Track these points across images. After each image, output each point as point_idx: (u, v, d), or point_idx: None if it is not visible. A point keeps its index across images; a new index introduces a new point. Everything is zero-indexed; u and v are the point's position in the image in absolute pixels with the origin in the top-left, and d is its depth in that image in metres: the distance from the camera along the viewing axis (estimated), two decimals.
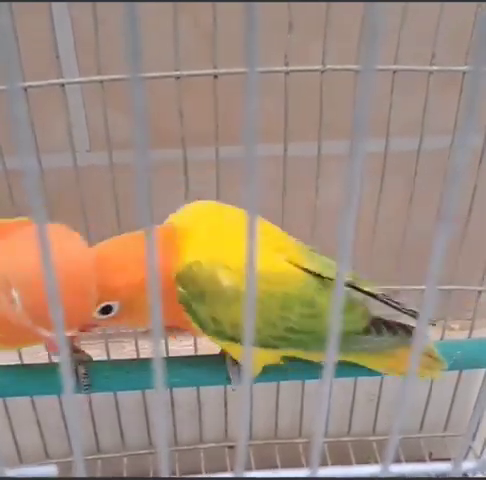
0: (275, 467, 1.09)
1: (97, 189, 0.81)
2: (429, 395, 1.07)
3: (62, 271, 0.45)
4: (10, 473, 0.33)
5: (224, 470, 1.08)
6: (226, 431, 1.10)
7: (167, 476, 0.31)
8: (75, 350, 0.70)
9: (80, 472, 0.32)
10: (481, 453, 1.09)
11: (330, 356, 0.31)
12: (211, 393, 1.06)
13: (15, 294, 0.49)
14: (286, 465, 1.10)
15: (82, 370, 0.67)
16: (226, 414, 1.07)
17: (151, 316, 0.27)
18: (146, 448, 1.10)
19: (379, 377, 1.01)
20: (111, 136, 0.75)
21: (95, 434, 1.06)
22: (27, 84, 0.70)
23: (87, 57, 0.74)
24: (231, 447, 1.12)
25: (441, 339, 0.97)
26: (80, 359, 0.68)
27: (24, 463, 1.04)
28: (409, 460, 1.09)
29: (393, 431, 0.34)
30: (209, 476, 1.07)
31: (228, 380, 0.68)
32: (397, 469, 0.36)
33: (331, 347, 0.28)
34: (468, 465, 0.39)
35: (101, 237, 0.81)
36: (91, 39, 0.69)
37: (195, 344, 0.95)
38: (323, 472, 0.36)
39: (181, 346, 1.01)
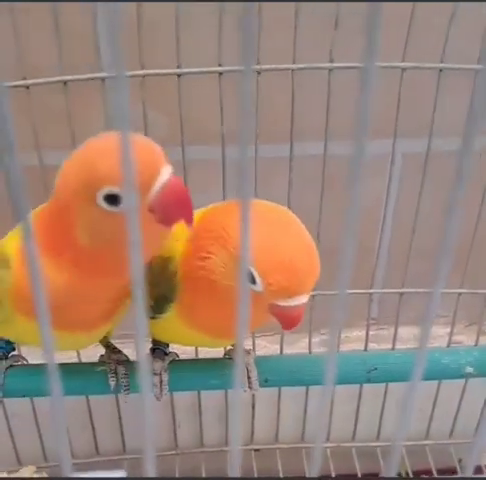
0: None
1: None
2: (460, 402, 1.05)
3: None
4: (79, 476, 0.31)
5: (250, 473, 1.07)
6: (253, 434, 1.09)
7: (238, 476, 0.30)
8: (114, 350, 0.68)
9: (151, 472, 0.31)
10: None
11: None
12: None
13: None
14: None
15: (122, 370, 0.66)
16: (253, 417, 1.06)
17: (238, 315, 0.26)
18: (172, 449, 1.08)
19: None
20: (149, 134, 0.74)
21: (122, 434, 1.04)
22: (68, 78, 0.69)
23: (128, 52, 0.73)
24: (257, 450, 1.10)
25: (475, 344, 0.95)
26: (119, 359, 0.67)
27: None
28: (438, 467, 1.07)
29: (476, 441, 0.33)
30: None
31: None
32: None
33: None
34: None
35: None
36: (133, 33, 0.68)
37: None
38: None
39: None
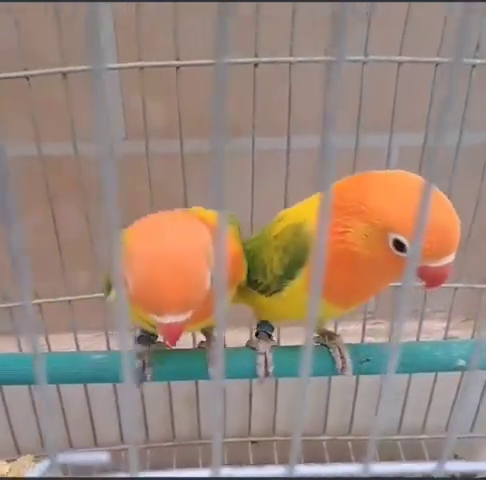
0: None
1: (132, 178, 0.81)
2: (456, 396, 1.05)
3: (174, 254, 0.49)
4: (61, 459, 0.32)
5: (247, 465, 1.08)
6: (250, 426, 1.09)
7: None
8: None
9: (134, 470, 0.31)
10: None
11: None
12: (235, 387, 1.05)
13: (128, 278, 0.50)
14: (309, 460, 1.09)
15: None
16: (250, 409, 1.07)
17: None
18: (169, 441, 1.09)
19: (406, 376, 1.00)
20: (147, 124, 0.75)
21: (119, 426, 1.05)
22: (67, 69, 0.70)
23: (126, 43, 0.73)
24: (254, 442, 1.11)
25: (472, 337, 0.96)
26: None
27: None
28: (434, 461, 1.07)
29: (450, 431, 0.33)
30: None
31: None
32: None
33: None
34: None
35: None
36: (131, 25, 0.69)
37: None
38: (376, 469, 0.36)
39: None
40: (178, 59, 0.70)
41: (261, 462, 1.08)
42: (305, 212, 0.62)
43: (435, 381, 1.02)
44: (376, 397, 0.96)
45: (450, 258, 0.53)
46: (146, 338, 0.69)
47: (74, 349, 0.92)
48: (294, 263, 0.61)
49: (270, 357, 0.68)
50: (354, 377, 1.02)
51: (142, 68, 0.70)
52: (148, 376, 0.67)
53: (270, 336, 0.71)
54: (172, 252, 0.50)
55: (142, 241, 0.51)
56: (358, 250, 0.55)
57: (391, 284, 0.61)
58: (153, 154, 0.77)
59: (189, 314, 0.51)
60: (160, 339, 0.71)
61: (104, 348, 0.93)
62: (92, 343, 0.98)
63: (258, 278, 0.66)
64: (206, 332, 0.72)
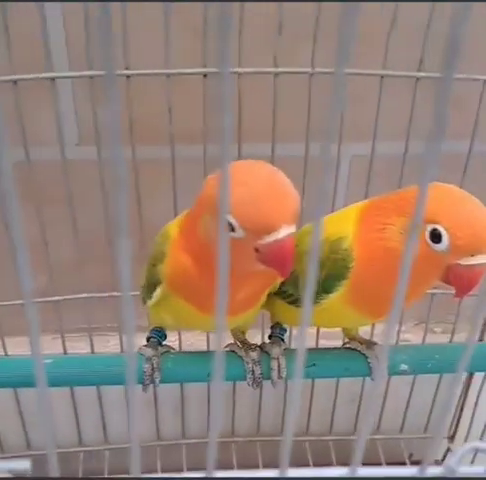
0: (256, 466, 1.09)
1: (85, 183, 0.81)
2: (410, 397, 1.07)
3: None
4: None
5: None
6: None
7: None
8: (250, 347, 0.70)
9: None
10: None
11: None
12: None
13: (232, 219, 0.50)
14: (267, 464, 1.09)
15: (258, 371, 0.68)
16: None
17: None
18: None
19: (361, 377, 1.02)
20: (100, 131, 0.75)
21: (78, 427, 1.06)
22: (17, 77, 0.70)
23: (78, 52, 0.73)
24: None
25: (423, 342, 0.98)
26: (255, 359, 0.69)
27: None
28: (389, 462, 1.09)
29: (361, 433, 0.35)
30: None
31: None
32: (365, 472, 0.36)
33: None
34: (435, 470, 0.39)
35: (87, 230, 0.81)
36: (82, 34, 0.69)
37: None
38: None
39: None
40: (128, 68, 0.71)
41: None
42: (338, 227, 0.61)
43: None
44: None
45: (483, 259, 0.52)
46: (155, 341, 0.70)
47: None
48: (332, 278, 0.60)
49: (283, 362, 0.68)
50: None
51: (91, 77, 0.71)
52: (157, 380, 0.67)
53: (283, 340, 0.71)
54: (267, 176, 0.50)
55: (235, 175, 0.51)
56: (394, 245, 0.55)
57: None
58: (107, 159, 0.77)
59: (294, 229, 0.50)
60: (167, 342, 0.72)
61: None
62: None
63: (287, 289, 0.66)
64: (238, 336, 0.72)
